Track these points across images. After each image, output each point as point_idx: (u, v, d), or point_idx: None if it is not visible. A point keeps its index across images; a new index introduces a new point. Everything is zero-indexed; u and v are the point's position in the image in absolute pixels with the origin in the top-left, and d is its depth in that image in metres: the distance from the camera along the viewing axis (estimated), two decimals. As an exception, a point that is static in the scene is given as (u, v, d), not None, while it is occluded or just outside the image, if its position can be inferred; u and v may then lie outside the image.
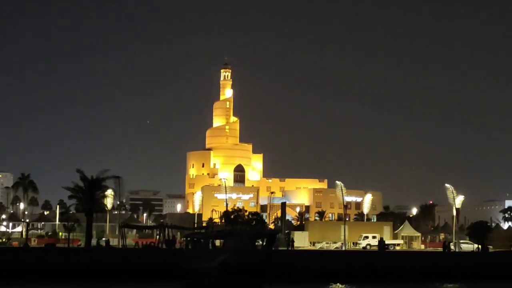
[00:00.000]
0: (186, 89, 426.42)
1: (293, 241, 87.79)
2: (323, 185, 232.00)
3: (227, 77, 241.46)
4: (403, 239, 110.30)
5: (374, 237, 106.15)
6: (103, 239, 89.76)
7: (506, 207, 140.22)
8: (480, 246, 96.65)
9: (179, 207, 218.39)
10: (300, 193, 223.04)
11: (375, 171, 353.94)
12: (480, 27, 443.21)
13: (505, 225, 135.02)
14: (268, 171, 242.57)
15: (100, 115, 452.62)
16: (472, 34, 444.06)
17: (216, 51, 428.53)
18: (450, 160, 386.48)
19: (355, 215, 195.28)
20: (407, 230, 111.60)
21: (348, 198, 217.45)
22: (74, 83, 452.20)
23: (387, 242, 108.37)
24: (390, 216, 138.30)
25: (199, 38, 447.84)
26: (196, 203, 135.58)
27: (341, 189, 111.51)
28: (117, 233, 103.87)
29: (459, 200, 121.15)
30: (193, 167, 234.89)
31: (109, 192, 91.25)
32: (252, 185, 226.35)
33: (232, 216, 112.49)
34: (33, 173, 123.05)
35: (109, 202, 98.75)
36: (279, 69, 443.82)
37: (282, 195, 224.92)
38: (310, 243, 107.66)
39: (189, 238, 62.48)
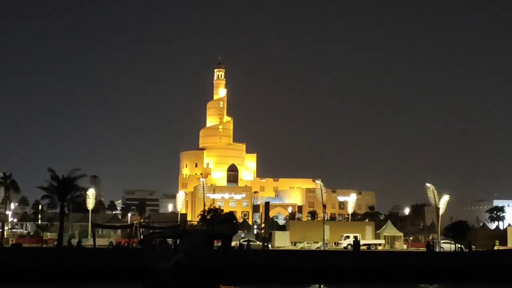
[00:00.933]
0: (184, 88, 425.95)
1: (267, 241, 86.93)
2: (317, 185, 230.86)
3: (221, 77, 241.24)
4: (385, 239, 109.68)
5: (355, 237, 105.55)
6: (74, 239, 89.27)
7: (493, 206, 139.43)
8: (462, 246, 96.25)
9: (170, 207, 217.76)
10: (293, 193, 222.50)
11: (371, 171, 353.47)
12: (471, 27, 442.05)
13: (492, 225, 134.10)
14: (262, 171, 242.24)
15: (94, 114, 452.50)
16: (450, 37, 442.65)
17: (209, 51, 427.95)
18: (446, 160, 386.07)
19: (347, 215, 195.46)
20: (389, 230, 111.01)
21: (341, 198, 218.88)
22: (72, 83, 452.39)
23: (368, 242, 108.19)
24: (376, 216, 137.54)
25: (193, 38, 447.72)
26: (179, 203, 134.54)
27: (321, 189, 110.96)
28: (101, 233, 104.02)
29: (444, 200, 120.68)
30: (186, 167, 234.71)
31: (91, 192, 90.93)
32: (246, 185, 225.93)
33: (208, 216, 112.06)
34: (25, 173, 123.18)
35: (90, 202, 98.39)
36: (273, 68, 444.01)
37: (275, 195, 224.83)
38: (292, 243, 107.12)
39: (150, 238, 61.88)
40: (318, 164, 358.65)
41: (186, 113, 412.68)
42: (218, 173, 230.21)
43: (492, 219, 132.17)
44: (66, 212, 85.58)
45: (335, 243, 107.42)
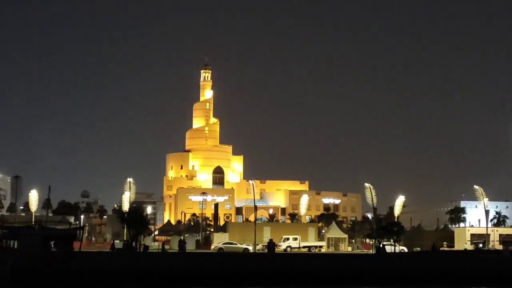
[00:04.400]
0: (170, 89, 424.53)
1: (184, 243, 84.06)
2: (304, 187, 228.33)
3: (207, 78, 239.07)
4: (329, 241, 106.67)
5: (295, 239, 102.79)
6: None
7: (453, 208, 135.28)
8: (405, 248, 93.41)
9: (149, 209, 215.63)
10: (277, 195, 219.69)
11: (359, 173, 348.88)
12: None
13: (453, 227, 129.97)
14: (249, 173, 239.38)
15: (80, 116, 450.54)
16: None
17: (196, 52, 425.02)
18: (443, 161, 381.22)
19: (343, 217, 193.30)
20: (333, 231, 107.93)
21: (326, 200, 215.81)
22: (55, 86, 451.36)
23: (308, 244, 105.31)
24: (331, 217, 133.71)
25: (179, 39, 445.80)
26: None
27: (253, 188, 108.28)
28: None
29: (399, 201, 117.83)
30: (172, 169, 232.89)
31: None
32: (232, 187, 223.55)
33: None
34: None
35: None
36: (260, 70, 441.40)
37: (260, 197, 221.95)
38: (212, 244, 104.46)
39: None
40: (305, 166, 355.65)
41: (173, 114, 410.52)
42: (204, 175, 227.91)
43: (452, 221, 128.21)
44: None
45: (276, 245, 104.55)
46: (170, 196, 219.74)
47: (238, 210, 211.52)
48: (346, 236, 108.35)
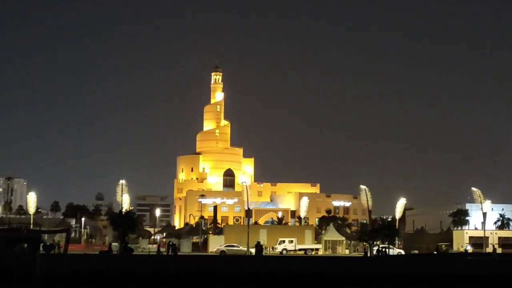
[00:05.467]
0: (181, 92, 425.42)
1: (174, 246, 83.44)
2: (316, 189, 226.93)
3: (218, 80, 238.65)
4: (326, 243, 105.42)
5: (290, 242, 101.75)
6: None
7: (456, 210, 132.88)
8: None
9: (158, 212, 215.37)
10: (288, 198, 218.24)
11: (369, 175, 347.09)
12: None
13: (456, 229, 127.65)
14: (260, 176, 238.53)
15: (90, 117, 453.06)
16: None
17: (207, 54, 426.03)
18: (452, 163, 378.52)
19: (354, 220, 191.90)
20: (331, 234, 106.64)
21: (336, 203, 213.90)
22: (67, 89, 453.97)
23: (304, 246, 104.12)
24: (332, 220, 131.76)
25: (190, 41, 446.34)
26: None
27: (247, 192, 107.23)
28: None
29: (401, 203, 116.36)
30: (182, 172, 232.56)
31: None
32: (242, 190, 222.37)
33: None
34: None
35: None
36: (271, 72, 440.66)
37: (271, 200, 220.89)
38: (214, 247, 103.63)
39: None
40: (317, 168, 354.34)
41: (184, 117, 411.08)
42: (214, 177, 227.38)
43: (455, 223, 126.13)
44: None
45: (272, 247, 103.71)
46: (180, 199, 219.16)
47: (248, 213, 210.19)
48: (343, 238, 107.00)
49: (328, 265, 64.30)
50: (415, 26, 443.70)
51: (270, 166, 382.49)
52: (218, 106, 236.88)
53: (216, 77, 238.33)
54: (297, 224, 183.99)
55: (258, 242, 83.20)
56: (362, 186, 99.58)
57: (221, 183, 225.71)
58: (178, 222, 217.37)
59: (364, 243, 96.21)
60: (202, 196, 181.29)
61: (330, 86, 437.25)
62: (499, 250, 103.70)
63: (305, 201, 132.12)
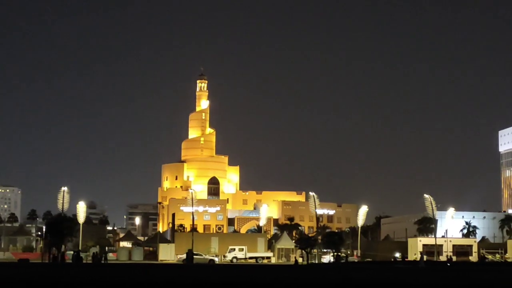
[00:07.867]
0: (166, 99, 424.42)
1: (106, 253, 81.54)
2: (301, 197, 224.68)
3: (203, 88, 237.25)
4: (279, 251, 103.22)
5: (241, 250, 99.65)
6: None
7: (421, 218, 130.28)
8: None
9: (137, 221, 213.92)
10: (271, 206, 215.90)
11: (356, 183, 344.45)
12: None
13: (422, 237, 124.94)
14: (245, 184, 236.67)
15: (75, 127, 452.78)
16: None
17: (192, 62, 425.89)
18: (429, 170, 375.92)
19: (338, 228, 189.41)
20: (284, 242, 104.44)
21: (320, 211, 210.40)
22: (52, 97, 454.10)
23: (255, 255, 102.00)
24: (293, 227, 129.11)
25: (175, 48, 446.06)
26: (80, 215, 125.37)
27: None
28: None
29: (362, 211, 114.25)
30: (167, 180, 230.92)
31: None
32: (227, 198, 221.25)
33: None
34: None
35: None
36: (256, 80, 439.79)
37: (254, 208, 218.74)
38: (177, 256, 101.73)
39: None
40: (302, 176, 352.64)
41: (169, 125, 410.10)
42: (199, 186, 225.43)
43: (420, 231, 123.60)
44: None
45: (223, 255, 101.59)
46: (163, 207, 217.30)
47: (231, 221, 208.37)
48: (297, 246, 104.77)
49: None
50: (409, 30, 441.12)
51: (256, 174, 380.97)
52: (203, 114, 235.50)
53: (202, 85, 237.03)
54: (278, 232, 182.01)
55: (190, 250, 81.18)
56: (311, 193, 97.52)
57: (206, 191, 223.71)
58: (162, 231, 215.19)
59: (303, 250, 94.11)
60: (185, 198, 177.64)
61: (315, 95, 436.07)
62: (454, 258, 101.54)
63: (265, 208, 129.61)
